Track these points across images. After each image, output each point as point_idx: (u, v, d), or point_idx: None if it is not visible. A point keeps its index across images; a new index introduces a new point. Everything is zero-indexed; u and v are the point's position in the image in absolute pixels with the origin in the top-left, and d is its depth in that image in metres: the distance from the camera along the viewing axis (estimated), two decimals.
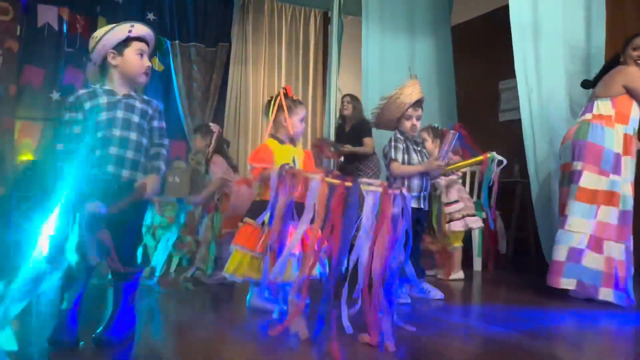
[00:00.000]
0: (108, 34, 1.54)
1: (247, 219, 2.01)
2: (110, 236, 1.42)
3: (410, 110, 2.36)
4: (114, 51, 1.54)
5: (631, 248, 2.41)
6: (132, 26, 1.57)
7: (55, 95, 4.67)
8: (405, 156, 2.38)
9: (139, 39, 1.58)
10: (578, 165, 2.47)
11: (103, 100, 1.52)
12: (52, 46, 4.72)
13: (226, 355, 1.52)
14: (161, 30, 5.26)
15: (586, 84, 2.72)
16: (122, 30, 1.56)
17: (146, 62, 1.58)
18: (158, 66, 5.26)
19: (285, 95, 2.09)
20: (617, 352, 1.69)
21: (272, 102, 2.09)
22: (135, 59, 1.56)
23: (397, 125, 2.41)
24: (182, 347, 1.55)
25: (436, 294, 2.39)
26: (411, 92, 2.34)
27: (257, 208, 1.95)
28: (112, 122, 1.50)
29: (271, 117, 2.08)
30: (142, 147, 1.55)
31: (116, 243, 1.44)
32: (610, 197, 2.40)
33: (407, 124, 2.38)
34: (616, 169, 2.42)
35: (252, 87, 5.48)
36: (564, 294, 2.50)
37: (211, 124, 3.17)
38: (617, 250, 2.38)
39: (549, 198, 2.96)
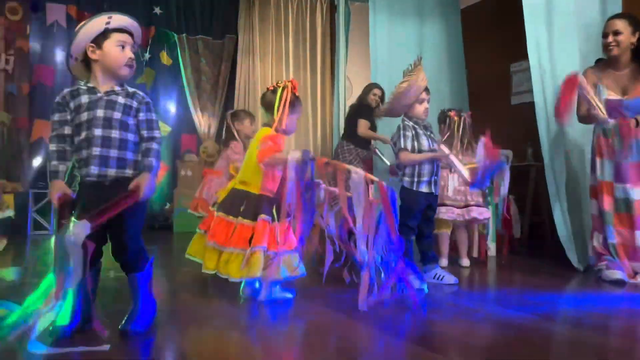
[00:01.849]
0: (84, 27, 1.48)
1: (263, 215, 1.94)
2: (95, 246, 1.40)
3: (424, 94, 2.36)
4: (93, 45, 1.48)
5: None
6: (110, 17, 1.50)
7: None
8: (415, 143, 2.37)
9: (119, 30, 1.50)
10: None
11: (85, 99, 1.48)
12: (61, 44, 4.77)
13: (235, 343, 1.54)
14: (168, 24, 5.27)
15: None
16: (99, 21, 1.48)
17: (128, 54, 1.51)
18: (166, 60, 5.28)
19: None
20: (637, 335, 1.67)
21: (280, 95, 2.05)
22: (115, 51, 1.49)
23: (409, 111, 2.39)
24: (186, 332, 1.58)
25: (450, 279, 2.38)
26: (423, 77, 2.34)
27: (267, 203, 1.95)
28: (92, 121, 1.46)
29: (280, 110, 2.03)
30: (129, 143, 1.50)
31: (119, 245, 1.46)
32: None
33: (421, 108, 2.37)
34: None
35: (260, 78, 5.47)
36: (578, 277, 2.48)
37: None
38: None
39: (564, 181, 2.91)
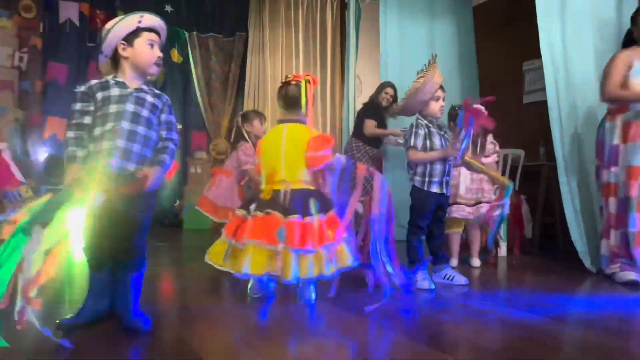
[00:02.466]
0: (117, 25, 1.53)
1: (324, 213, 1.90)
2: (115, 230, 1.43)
3: (439, 91, 2.34)
4: (124, 42, 1.53)
5: None
6: (142, 16, 1.56)
7: None
8: (427, 141, 2.35)
9: (149, 29, 1.56)
10: None
11: (115, 92, 1.51)
12: (74, 42, 4.81)
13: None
14: (179, 22, 5.29)
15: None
16: (131, 20, 1.54)
17: (157, 52, 1.57)
18: (177, 58, 5.31)
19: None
20: None
21: (305, 89, 1.99)
22: (146, 50, 1.54)
23: (424, 108, 2.37)
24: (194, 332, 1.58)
25: (460, 279, 2.37)
26: (439, 74, 2.32)
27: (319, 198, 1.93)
28: (121, 114, 1.48)
29: (309, 105, 1.99)
30: (151, 142, 1.52)
31: (123, 235, 1.46)
32: None
33: (436, 106, 2.35)
34: None
35: (270, 76, 5.48)
36: (591, 278, 2.45)
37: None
38: None
39: (577, 181, 2.87)
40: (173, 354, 1.36)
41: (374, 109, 3.90)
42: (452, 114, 3.08)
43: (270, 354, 1.36)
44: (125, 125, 1.48)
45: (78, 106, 1.50)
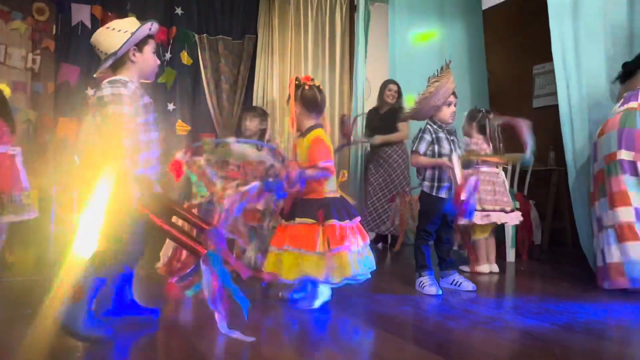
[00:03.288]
0: (138, 30, 1.54)
1: (301, 219, 1.90)
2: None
3: (452, 97, 2.34)
4: (135, 47, 1.56)
5: None
6: (152, 24, 1.59)
7: (91, 92, 4.83)
8: (436, 146, 2.34)
9: (153, 37, 1.62)
10: (629, 154, 2.37)
11: (147, 99, 1.55)
12: (86, 44, 4.86)
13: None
14: (189, 24, 5.33)
15: (628, 67, 2.59)
16: (145, 27, 1.57)
17: (157, 61, 1.63)
18: (187, 60, 5.34)
19: None
20: None
21: (320, 94, 1.99)
22: (152, 57, 1.60)
23: (436, 113, 2.36)
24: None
25: (467, 285, 2.35)
26: (452, 80, 2.32)
27: (309, 207, 1.91)
28: (151, 123, 1.54)
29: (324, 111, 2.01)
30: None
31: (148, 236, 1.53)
32: None
33: (448, 111, 2.35)
34: None
35: (279, 78, 5.49)
36: (599, 287, 2.42)
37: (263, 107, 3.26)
38: None
39: (588, 187, 2.84)
40: (180, 356, 1.37)
41: (368, 115, 3.96)
42: (474, 116, 3.04)
43: (275, 359, 1.36)
44: (157, 135, 1.54)
45: (128, 110, 1.45)
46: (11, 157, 2.80)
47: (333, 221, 1.87)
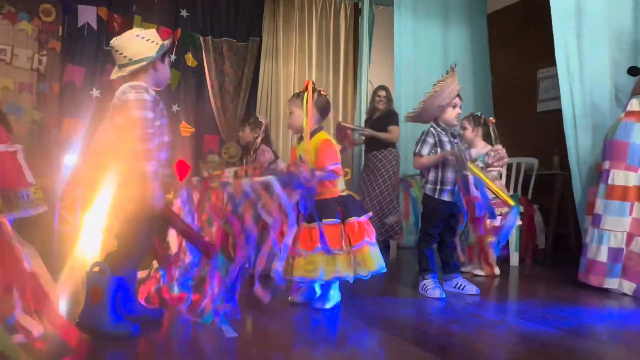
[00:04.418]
0: (167, 42, 1.67)
1: (326, 219, 1.91)
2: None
3: (457, 99, 2.33)
4: (160, 58, 1.64)
5: None
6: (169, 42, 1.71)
7: (95, 93, 4.85)
8: (438, 149, 2.33)
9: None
10: (606, 164, 2.50)
11: (161, 104, 1.61)
12: (92, 45, 4.89)
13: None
14: (194, 26, 5.35)
15: (633, 71, 2.58)
16: (168, 42, 1.69)
17: (169, 71, 1.73)
18: (191, 62, 5.36)
19: None
20: None
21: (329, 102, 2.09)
22: (167, 69, 1.71)
23: (440, 115, 2.35)
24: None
25: (471, 289, 2.34)
26: (457, 81, 2.32)
27: (329, 206, 1.93)
28: (165, 127, 1.60)
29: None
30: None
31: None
32: None
33: (453, 113, 2.34)
34: None
35: (283, 81, 5.51)
36: (605, 290, 2.41)
37: (259, 116, 3.35)
38: None
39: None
40: (183, 357, 1.37)
41: (397, 118, 3.94)
42: (476, 124, 3.04)
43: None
44: (168, 138, 1.59)
45: (151, 114, 1.51)
46: (12, 155, 2.81)
47: (353, 218, 1.93)
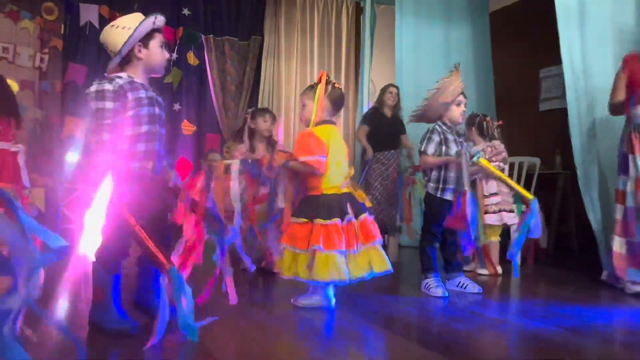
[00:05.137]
0: (140, 26, 1.51)
1: (296, 218, 1.89)
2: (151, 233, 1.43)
3: (461, 97, 2.33)
4: (140, 43, 1.53)
5: None
6: (156, 17, 1.55)
7: None
8: (443, 147, 2.33)
9: (159, 30, 1.57)
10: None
11: (143, 93, 1.51)
12: (93, 44, 4.89)
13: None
14: (195, 24, 5.35)
15: None
16: (149, 21, 1.54)
17: (166, 54, 1.59)
18: (193, 60, 5.36)
19: None
20: None
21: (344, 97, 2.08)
22: (159, 51, 1.56)
23: (445, 113, 2.33)
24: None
25: (473, 287, 2.34)
26: (461, 80, 2.31)
27: (304, 205, 1.90)
28: (153, 117, 1.52)
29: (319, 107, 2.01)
30: (163, 139, 1.60)
31: (161, 237, 1.49)
32: None
33: (458, 111, 2.33)
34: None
35: (285, 80, 5.51)
36: (606, 289, 2.40)
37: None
38: None
39: (597, 191, 2.83)
40: (189, 356, 1.37)
41: (369, 115, 3.94)
42: (470, 123, 3.04)
43: (283, 358, 1.36)
44: (158, 128, 1.53)
45: (111, 105, 1.44)
46: (13, 154, 2.80)
47: (319, 220, 1.82)
